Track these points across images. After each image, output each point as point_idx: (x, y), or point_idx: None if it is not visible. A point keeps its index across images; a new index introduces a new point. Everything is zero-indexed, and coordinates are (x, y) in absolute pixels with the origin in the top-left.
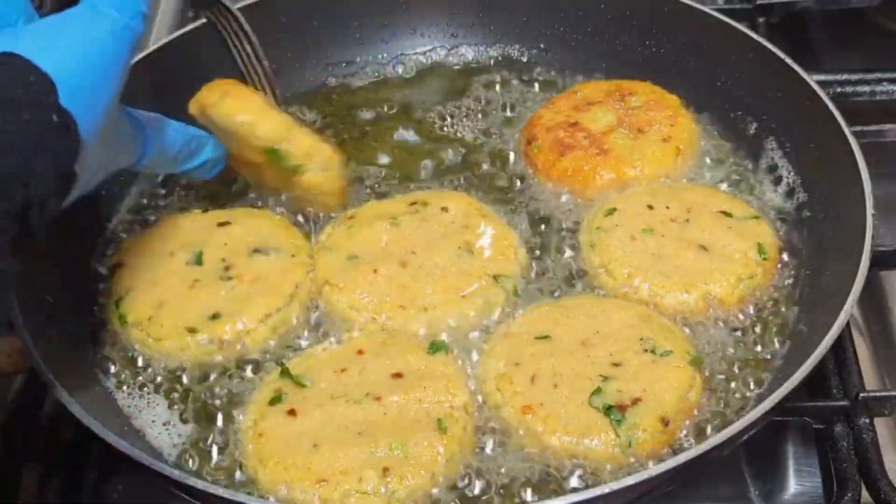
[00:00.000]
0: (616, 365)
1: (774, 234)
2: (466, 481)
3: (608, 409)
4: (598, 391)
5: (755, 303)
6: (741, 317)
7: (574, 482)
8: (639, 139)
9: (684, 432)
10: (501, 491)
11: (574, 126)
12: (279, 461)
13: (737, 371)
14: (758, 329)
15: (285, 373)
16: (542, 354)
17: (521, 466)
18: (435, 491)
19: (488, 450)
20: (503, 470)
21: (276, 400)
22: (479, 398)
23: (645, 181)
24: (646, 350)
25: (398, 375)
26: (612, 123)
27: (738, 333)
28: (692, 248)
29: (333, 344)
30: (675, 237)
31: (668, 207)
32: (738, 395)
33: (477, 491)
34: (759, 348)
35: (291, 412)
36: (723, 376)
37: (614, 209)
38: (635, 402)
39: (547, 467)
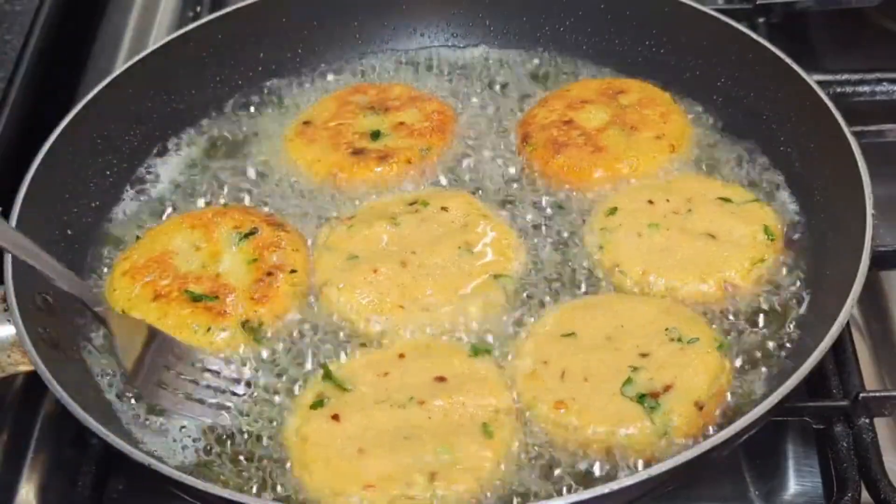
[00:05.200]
0: (644, 356)
1: (776, 215)
2: (513, 485)
3: (641, 398)
4: (629, 381)
5: (755, 304)
6: (739, 316)
7: (619, 474)
8: (632, 136)
9: (719, 414)
10: (550, 488)
11: (568, 124)
12: (325, 466)
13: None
14: (757, 328)
15: (327, 375)
16: (568, 351)
17: (563, 465)
18: (483, 496)
19: (531, 452)
20: (546, 471)
21: (318, 404)
22: (514, 398)
23: (640, 178)
24: (672, 339)
25: (441, 379)
26: (605, 121)
27: (737, 333)
28: (700, 237)
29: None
30: (681, 229)
31: (668, 200)
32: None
33: (523, 494)
34: (758, 348)
35: (335, 417)
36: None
37: (615, 208)
38: (667, 388)
39: (588, 462)
